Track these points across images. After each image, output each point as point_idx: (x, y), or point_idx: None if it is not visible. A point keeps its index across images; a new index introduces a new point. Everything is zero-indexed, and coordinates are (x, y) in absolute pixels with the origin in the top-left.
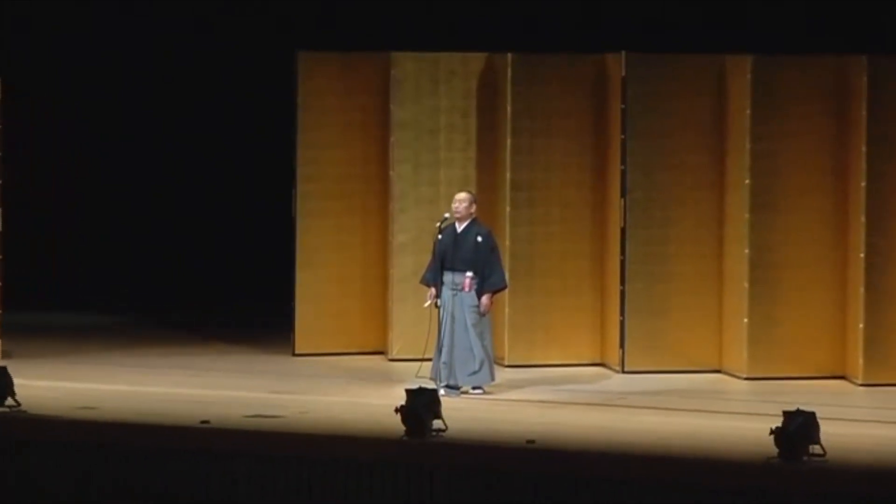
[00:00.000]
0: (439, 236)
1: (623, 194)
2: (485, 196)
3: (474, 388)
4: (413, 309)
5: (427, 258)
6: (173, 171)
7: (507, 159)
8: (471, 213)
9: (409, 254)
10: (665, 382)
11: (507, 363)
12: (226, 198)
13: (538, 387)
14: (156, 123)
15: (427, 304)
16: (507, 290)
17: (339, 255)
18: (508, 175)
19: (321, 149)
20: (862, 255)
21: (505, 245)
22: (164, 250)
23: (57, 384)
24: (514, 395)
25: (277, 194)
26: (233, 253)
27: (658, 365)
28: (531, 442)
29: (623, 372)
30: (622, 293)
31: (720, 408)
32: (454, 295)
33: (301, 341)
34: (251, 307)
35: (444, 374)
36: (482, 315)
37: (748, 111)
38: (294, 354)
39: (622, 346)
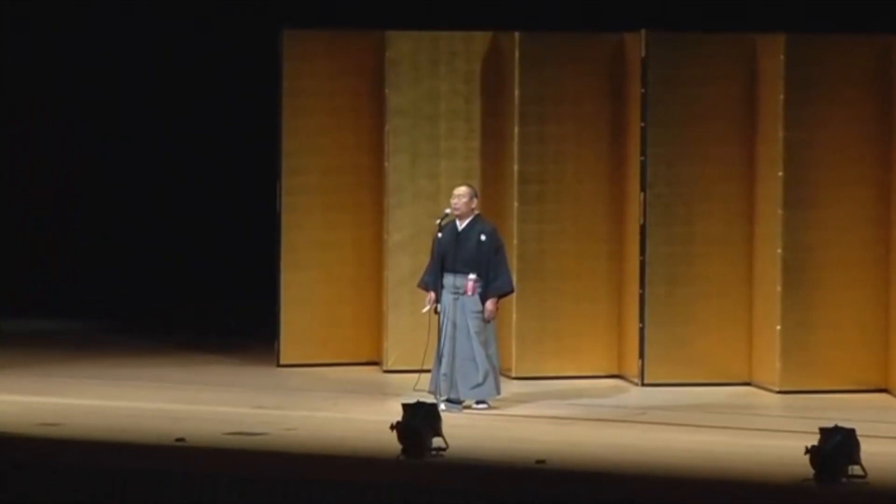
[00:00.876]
0: (439, 235)
1: (643, 188)
2: (489, 190)
3: (478, 402)
4: (410, 315)
5: (425, 259)
6: (145, 164)
7: (514, 149)
8: (472, 209)
9: (406, 254)
10: (689, 396)
11: (514, 375)
12: (204, 193)
13: (549, 401)
14: (122, 114)
15: (425, 310)
16: (514, 294)
17: (328, 256)
18: (516, 167)
19: (308, 137)
20: None
21: (512, 244)
22: (137, 251)
23: (17, 398)
24: (522, 410)
25: (260, 189)
26: (212, 253)
27: (681, 377)
28: (541, 462)
29: (642, 385)
30: (642, 297)
31: (750, 424)
32: (455, 299)
33: (287, 351)
34: (232, 313)
35: (444, 387)
36: (486, 322)
37: (781, 96)
38: (279, 365)
39: (641, 356)
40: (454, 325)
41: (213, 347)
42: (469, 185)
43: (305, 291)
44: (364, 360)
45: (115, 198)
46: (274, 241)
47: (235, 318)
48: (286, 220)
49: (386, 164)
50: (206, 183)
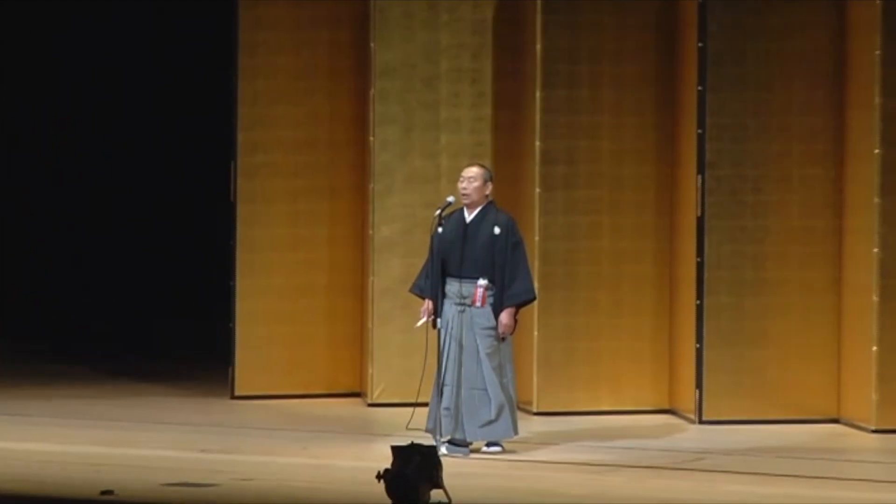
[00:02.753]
0: (439, 229)
1: (700, 170)
2: (504, 172)
3: (489, 444)
4: (402, 332)
5: (421, 260)
6: (74, 146)
7: (535, 120)
8: (485, 196)
9: (397, 254)
10: (760, 437)
11: (535, 409)
12: (143, 180)
13: (580, 443)
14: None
15: (421, 324)
16: (535, 305)
17: (295, 257)
18: (538, 143)
19: (270, 105)
20: None
21: (533, 241)
22: (61, 254)
23: None
24: (545, 454)
25: (211, 173)
26: (154, 256)
27: (750, 412)
28: None
29: (700, 422)
30: (699, 311)
31: (839, 473)
32: (461, 312)
33: (243, 378)
34: (176, 330)
35: (446, 425)
36: (501, 340)
37: (878, 52)
38: (234, 397)
39: (699, 385)
40: (459, 344)
41: (151, 375)
42: (481, 165)
43: (267, 303)
44: (342, 391)
45: (30, 189)
46: (227, 239)
47: (180, 337)
48: (242, 211)
49: (371, 138)
50: (145, 168)
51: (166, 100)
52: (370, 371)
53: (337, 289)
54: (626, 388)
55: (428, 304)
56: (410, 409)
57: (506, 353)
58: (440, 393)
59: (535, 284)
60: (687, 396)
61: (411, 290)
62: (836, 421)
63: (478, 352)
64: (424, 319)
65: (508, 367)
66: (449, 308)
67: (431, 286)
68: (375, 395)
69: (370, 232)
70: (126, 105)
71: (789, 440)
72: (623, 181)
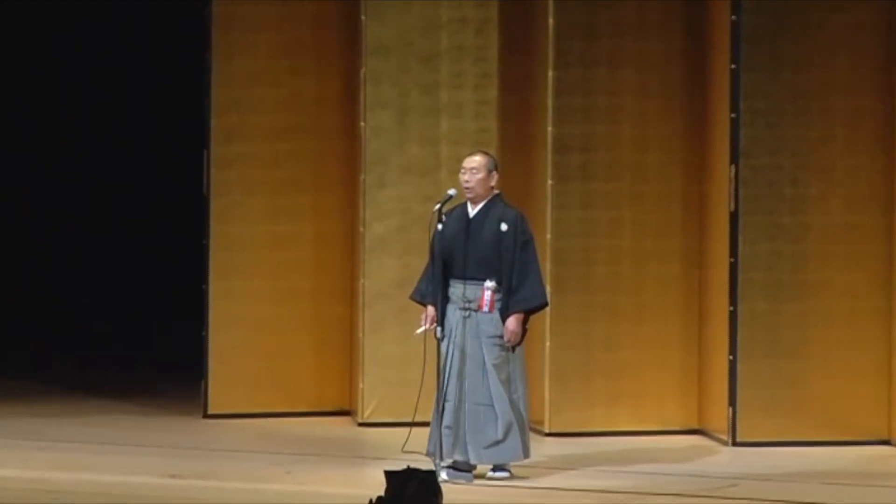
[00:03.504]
0: (439, 226)
1: (734, 159)
2: (512, 162)
3: (496, 468)
4: (397, 342)
5: (418, 260)
6: (35, 139)
7: (547, 103)
8: (490, 189)
9: (391, 254)
10: (800, 461)
11: (547, 429)
12: (104, 171)
13: (598, 468)
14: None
15: (420, 331)
16: (547, 311)
17: (276, 257)
18: (550, 129)
19: (247, 87)
20: None
21: (544, 239)
22: (21, 255)
23: None
24: (559, 480)
25: (181, 162)
26: (121, 255)
27: (790, 432)
28: None
29: (734, 444)
30: (733, 318)
31: (890, 501)
32: (465, 318)
33: (218, 395)
34: (146, 339)
35: (447, 446)
36: (509, 350)
37: None
38: (207, 415)
39: (732, 403)
40: (463, 354)
41: (117, 389)
42: (486, 153)
43: (244, 309)
44: (330, 409)
45: None
46: (200, 238)
47: (150, 347)
48: (216, 206)
49: (362, 124)
50: (113, 162)
51: (131, 82)
52: (361, 386)
53: (323, 293)
54: (649, 406)
55: (429, 311)
56: (407, 430)
57: (516, 364)
58: (441, 410)
59: (547, 288)
60: (718, 415)
61: (412, 297)
62: (887, 442)
63: (483, 362)
64: (425, 327)
65: (519, 381)
66: (452, 313)
67: (432, 292)
68: (367, 413)
69: (361, 229)
70: (87, 87)
71: (835, 464)
72: (646, 171)
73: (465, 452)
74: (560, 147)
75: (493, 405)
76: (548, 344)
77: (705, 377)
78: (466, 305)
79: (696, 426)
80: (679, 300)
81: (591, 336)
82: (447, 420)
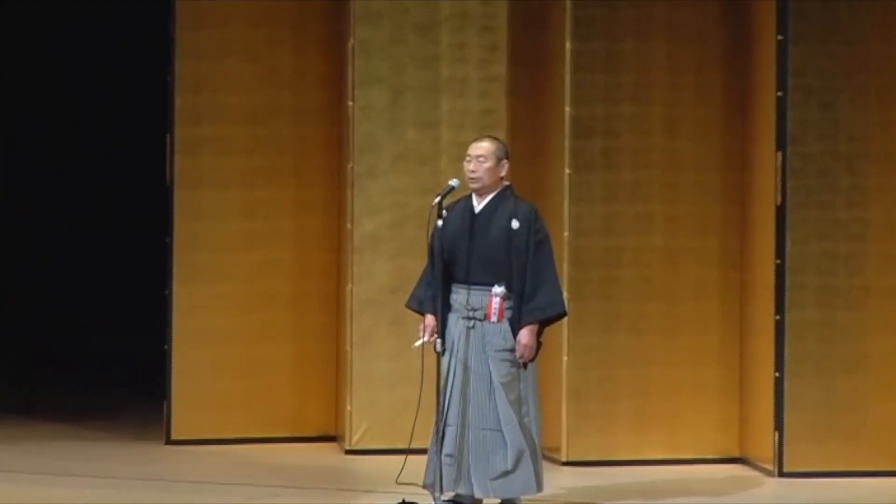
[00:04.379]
0: (439, 223)
1: (780, 146)
2: (525, 147)
3: (505, 502)
4: (390, 357)
5: (414, 262)
6: None
7: (565, 79)
8: (499, 179)
9: (383, 254)
10: (855, 493)
11: (564, 458)
12: (70, 163)
13: (623, 502)
14: None
15: (417, 345)
16: (564, 321)
17: (250, 259)
18: (568, 109)
19: (217, 60)
20: None
21: (561, 238)
22: None
23: None
24: None
25: (143, 147)
26: (77, 258)
27: (843, 461)
28: None
29: (780, 474)
30: (779, 328)
31: None
32: (470, 329)
33: (183, 418)
34: (106, 352)
35: (448, 477)
36: (521, 366)
37: None
38: (170, 441)
39: (778, 427)
40: (467, 371)
41: (67, 411)
42: (494, 139)
43: (213, 318)
44: (313, 434)
45: None
46: (162, 235)
47: (110, 362)
48: (181, 199)
49: (349, 104)
50: (65, 150)
51: (86, 58)
52: (349, 408)
53: (305, 299)
54: (683, 430)
55: (428, 321)
56: (402, 458)
57: (528, 383)
58: (441, 436)
59: (565, 294)
60: (763, 441)
61: (408, 305)
62: None
63: (490, 381)
64: (423, 340)
65: (531, 402)
66: (455, 323)
67: (433, 297)
68: (356, 438)
69: (349, 226)
70: (42, 60)
71: (895, 498)
72: (679, 159)
73: (470, 485)
74: (579, 131)
75: (501, 430)
76: (565, 359)
77: (747, 397)
78: (471, 314)
79: (736, 454)
80: (717, 308)
81: (616, 350)
82: (448, 447)
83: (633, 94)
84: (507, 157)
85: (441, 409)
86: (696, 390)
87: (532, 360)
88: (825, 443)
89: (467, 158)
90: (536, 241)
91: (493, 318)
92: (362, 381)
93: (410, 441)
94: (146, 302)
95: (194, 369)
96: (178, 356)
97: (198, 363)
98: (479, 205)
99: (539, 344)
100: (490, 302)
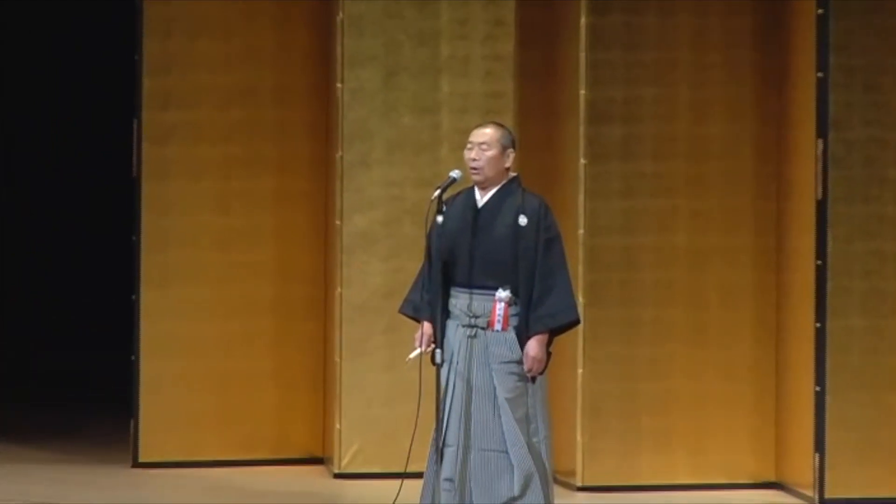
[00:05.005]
0: (439, 219)
1: (821, 132)
2: (534, 134)
3: None
4: (383, 369)
5: (410, 263)
6: None
7: (579, 59)
8: (505, 171)
9: (376, 255)
10: None
11: (579, 483)
12: (23, 153)
13: None
14: None
15: (413, 356)
16: (578, 329)
17: (226, 259)
18: (583, 92)
19: (189, 37)
20: None
21: (575, 236)
22: None
23: None
24: None
25: (110, 136)
26: (42, 258)
27: (889, 486)
28: None
29: (820, 501)
30: (819, 337)
31: None
32: (472, 337)
33: (152, 438)
34: (64, 366)
35: (449, 501)
36: (529, 380)
37: None
38: (137, 464)
39: (819, 448)
40: (468, 386)
41: (27, 431)
42: (499, 125)
43: (185, 326)
44: (298, 456)
45: None
46: (128, 233)
47: (69, 376)
48: (149, 192)
49: (338, 85)
50: (33, 137)
51: (47, 36)
52: (338, 426)
53: (289, 305)
54: (712, 451)
55: (424, 329)
56: (397, 483)
57: (537, 399)
58: (439, 457)
59: (579, 299)
60: (801, 463)
61: (402, 310)
62: None
63: (495, 396)
64: (419, 350)
65: (541, 421)
66: (455, 332)
67: (430, 302)
68: (346, 461)
69: (337, 222)
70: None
71: None
72: (707, 147)
73: None
74: (596, 116)
75: (507, 451)
76: (580, 371)
77: (784, 415)
78: (473, 322)
79: (772, 478)
80: (749, 315)
81: (636, 362)
82: (447, 471)
83: (655, 74)
84: (514, 146)
85: (440, 427)
86: (726, 406)
87: (541, 373)
88: (871, 466)
89: (469, 146)
90: (546, 240)
91: (498, 326)
92: (353, 396)
93: (407, 464)
94: (112, 308)
95: (164, 383)
96: (146, 368)
97: (168, 376)
98: (481, 198)
99: (549, 355)
100: (494, 308)
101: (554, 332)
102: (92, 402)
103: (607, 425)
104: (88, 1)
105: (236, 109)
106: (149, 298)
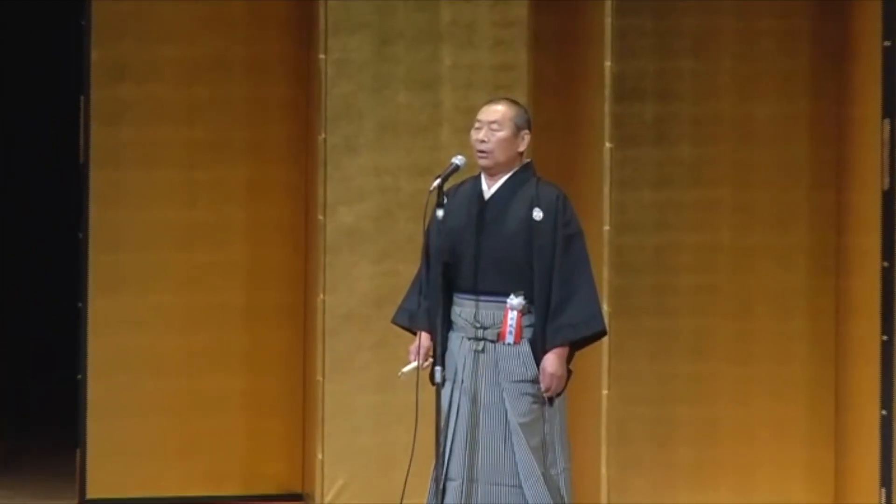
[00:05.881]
0: (439, 213)
1: (887, 112)
2: (551, 114)
3: None
4: (374, 389)
5: (405, 265)
6: None
7: (604, 24)
8: (518, 156)
9: (365, 255)
10: None
11: None
12: None
13: None
14: None
15: (407, 371)
16: (604, 342)
17: (190, 260)
18: (608, 64)
19: (146, 3)
20: None
21: (600, 233)
22: None
23: None
24: None
25: (55, 116)
26: None
27: None
28: None
29: None
30: (886, 351)
31: None
32: (478, 352)
33: (101, 471)
34: (9, 385)
35: None
36: (546, 402)
37: None
38: (84, 501)
39: (886, 481)
40: (475, 408)
41: None
42: (512, 102)
43: (141, 340)
44: (274, 492)
45: None
46: (74, 231)
47: (4, 402)
48: (98, 181)
49: (321, 56)
50: None
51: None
52: (320, 457)
53: (262, 315)
54: (761, 487)
55: (421, 341)
56: None
57: (555, 423)
58: (440, 493)
59: (604, 307)
60: (865, 497)
61: (395, 320)
62: None
63: (506, 421)
64: (414, 365)
65: (559, 449)
66: (458, 346)
67: (429, 311)
68: (330, 497)
69: (320, 217)
70: None
71: None
72: (755, 128)
73: None
74: (623, 92)
75: (520, 485)
76: (605, 393)
77: (844, 442)
78: (480, 334)
79: None
80: (804, 326)
81: (671, 380)
82: None
83: (694, 44)
84: (529, 127)
85: (441, 457)
86: (776, 433)
87: (560, 393)
88: None
89: (476, 125)
90: (566, 237)
91: (509, 339)
92: (338, 421)
93: (402, 500)
94: (54, 318)
95: (116, 406)
96: (94, 389)
97: (120, 398)
98: (490, 188)
99: (570, 372)
100: (505, 317)
101: (575, 346)
102: (31, 429)
103: (637, 455)
104: None
105: (201, 85)
106: (98, 307)
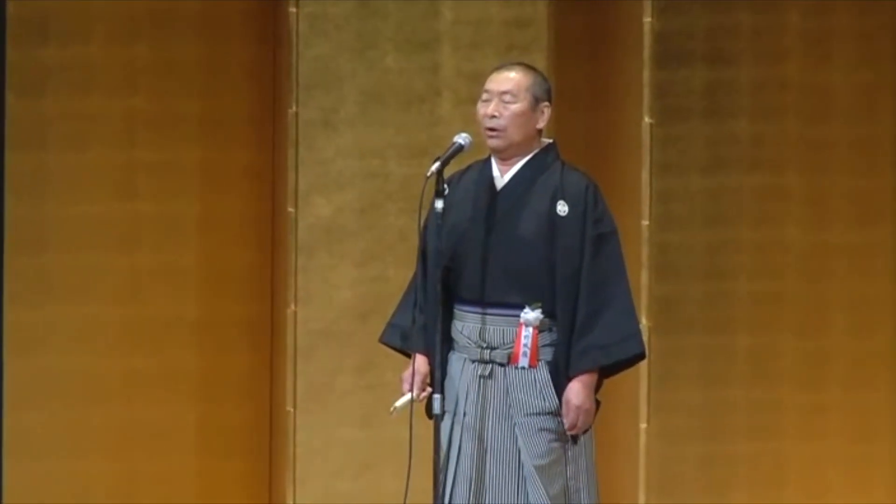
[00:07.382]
0: (439, 204)
1: None
2: (579, 83)
3: None
4: (358, 422)
5: (399, 272)
6: None
7: None
8: (537, 133)
9: (347, 257)
10: None
11: None
12: None
13: None
14: None
15: (401, 405)
16: (642, 366)
17: (128, 263)
18: (648, 20)
19: None
20: None
21: (637, 231)
22: None
23: None
24: None
25: None
26: None
27: None
28: None
29: None
30: None
31: None
32: (485, 377)
33: (16, 487)
34: None
35: None
36: (569, 441)
37: None
38: None
39: None
40: (481, 445)
41: None
42: (528, 67)
43: (68, 361)
44: None
45: None
46: None
47: None
48: (14, 165)
49: (292, 11)
50: None
51: None
52: (290, 503)
53: (219, 330)
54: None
55: (417, 366)
56: None
57: (580, 466)
58: None
59: (643, 322)
60: None
61: (383, 340)
62: None
63: (520, 463)
64: (409, 396)
65: (585, 497)
66: (459, 369)
67: (425, 327)
68: None
69: (290, 210)
70: None
71: None
72: (828, 101)
73: None
74: (667, 54)
75: None
76: (644, 427)
77: None
78: (487, 356)
79: None
80: (890, 344)
81: (726, 412)
82: None
83: (753, 16)
84: (550, 99)
85: (442, 497)
86: (855, 475)
87: (587, 430)
88: None
89: (484, 97)
90: (597, 237)
91: (523, 362)
92: (312, 461)
93: None
94: None
95: (38, 444)
96: (10, 422)
97: (44, 434)
98: (502, 175)
99: (598, 404)
100: (518, 335)
101: (606, 372)
102: None
103: (684, 502)
104: None
105: (143, 45)
106: (15, 321)
